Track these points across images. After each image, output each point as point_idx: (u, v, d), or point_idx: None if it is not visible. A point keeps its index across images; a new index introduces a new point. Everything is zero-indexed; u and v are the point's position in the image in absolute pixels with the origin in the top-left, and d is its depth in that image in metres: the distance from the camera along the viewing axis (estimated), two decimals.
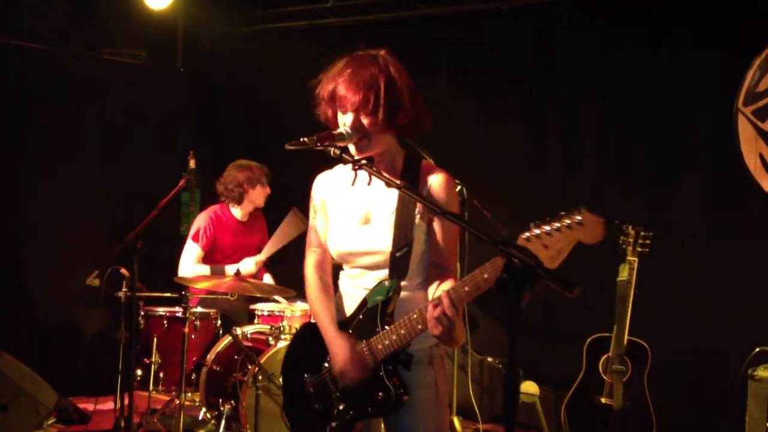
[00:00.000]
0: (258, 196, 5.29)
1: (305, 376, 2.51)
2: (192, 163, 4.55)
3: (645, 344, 4.38)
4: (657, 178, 4.95)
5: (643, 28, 4.99)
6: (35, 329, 5.72)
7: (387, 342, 2.28)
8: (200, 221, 5.21)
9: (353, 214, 2.45)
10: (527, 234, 1.89)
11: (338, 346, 2.37)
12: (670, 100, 4.93)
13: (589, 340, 4.52)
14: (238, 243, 5.31)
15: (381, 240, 2.36)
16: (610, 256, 4.42)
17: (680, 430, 4.67)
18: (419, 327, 2.21)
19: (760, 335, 4.47)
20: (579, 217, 1.86)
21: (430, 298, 2.37)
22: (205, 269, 5.08)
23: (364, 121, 2.32)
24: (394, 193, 2.37)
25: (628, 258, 4.39)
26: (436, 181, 2.37)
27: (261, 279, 5.31)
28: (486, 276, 2.03)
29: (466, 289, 2.08)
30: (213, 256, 5.21)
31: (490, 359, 5.30)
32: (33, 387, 4.89)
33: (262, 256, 5.23)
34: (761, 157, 4.68)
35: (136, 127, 6.22)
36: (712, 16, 4.74)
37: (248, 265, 5.14)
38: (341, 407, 2.39)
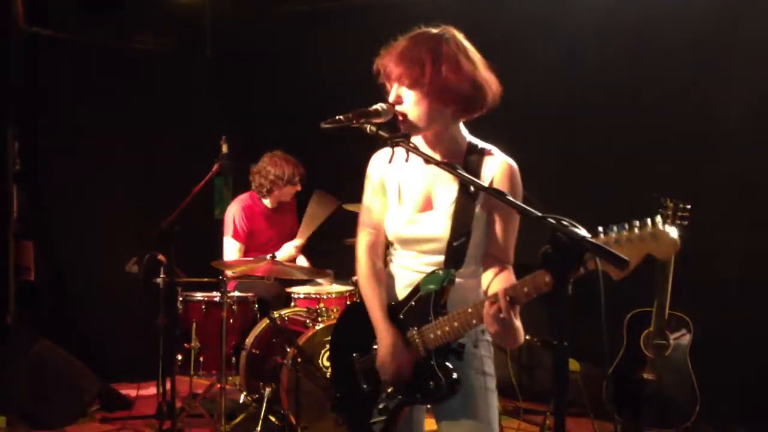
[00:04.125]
0: (286, 194, 5.31)
1: (354, 355, 2.49)
2: (224, 149, 4.55)
3: (687, 318, 4.32)
4: (696, 150, 4.85)
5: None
6: (76, 317, 5.78)
7: (439, 332, 2.25)
8: (232, 213, 5.23)
9: (413, 197, 2.40)
10: (594, 240, 1.79)
11: (384, 339, 2.35)
12: (705, 76, 4.82)
13: (629, 315, 4.46)
14: (272, 229, 5.33)
15: (439, 228, 2.31)
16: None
17: (724, 404, 4.60)
18: (473, 321, 2.18)
19: None
20: (652, 230, 1.79)
21: (483, 287, 2.35)
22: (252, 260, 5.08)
23: (406, 95, 2.27)
24: (455, 181, 2.32)
25: None
26: (500, 170, 2.31)
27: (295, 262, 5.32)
28: (548, 279, 1.97)
29: (525, 290, 2.03)
30: (249, 245, 5.23)
31: (528, 337, 5.26)
32: (75, 374, 4.97)
33: (298, 241, 5.24)
34: None
35: (167, 114, 6.23)
36: None
37: (288, 250, 5.17)
38: (390, 390, 2.37)
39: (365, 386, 2.44)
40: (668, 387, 4.28)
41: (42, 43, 5.75)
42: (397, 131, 2.25)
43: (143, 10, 6.15)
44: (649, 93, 5.00)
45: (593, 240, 1.65)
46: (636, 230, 1.80)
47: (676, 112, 4.91)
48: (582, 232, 1.66)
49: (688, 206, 4.28)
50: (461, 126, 2.40)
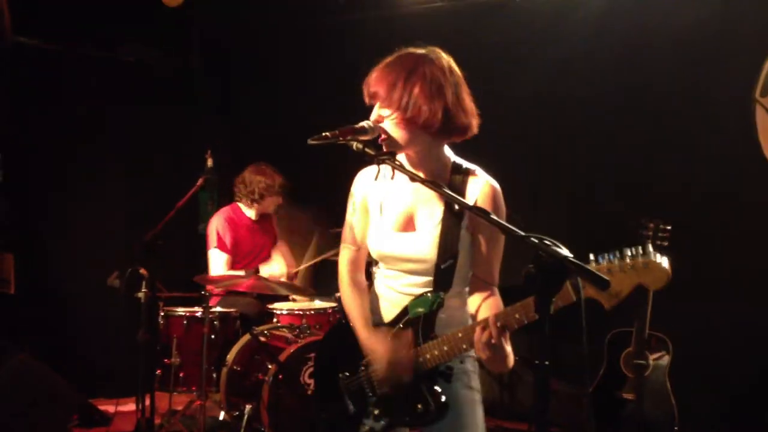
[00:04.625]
0: (272, 204, 5.33)
1: (340, 375, 2.47)
2: (209, 162, 4.56)
3: (666, 338, 4.35)
4: (675, 169, 4.90)
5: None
6: (56, 331, 5.73)
7: (428, 356, 2.25)
8: (215, 226, 5.22)
9: (394, 215, 2.40)
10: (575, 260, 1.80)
11: (376, 345, 2.34)
12: (684, 88, 4.88)
13: (609, 334, 4.49)
14: (254, 241, 5.33)
15: (425, 249, 2.31)
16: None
17: (702, 424, 4.63)
18: (464, 346, 2.19)
19: None
20: (643, 261, 1.80)
21: (471, 310, 2.36)
22: (240, 275, 5.07)
23: (386, 114, 2.27)
24: (440, 201, 2.33)
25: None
26: (483, 191, 2.32)
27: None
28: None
29: (517, 316, 2.04)
30: (232, 257, 5.22)
31: None
32: (54, 389, 4.91)
33: (292, 270, 5.29)
34: None
35: (153, 126, 6.22)
36: (730, 3, 4.69)
37: (278, 267, 5.21)
38: (376, 412, 2.36)
39: (351, 407, 2.43)
40: (647, 407, 4.30)
41: (28, 52, 5.72)
42: (371, 147, 2.27)
43: (130, 21, 6.15)
44: (637, 108, 5.04)
45: (575, 260, 1.67)
46: (628, 260, 1.81)
47: (663, 130, 4.95)
48: (564, 251, 1.68)
49: (669, 227, 4.34)
50: (445, 146, 2.41)
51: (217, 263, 5.15)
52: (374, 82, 2.28)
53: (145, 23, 6.22)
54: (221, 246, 5.16)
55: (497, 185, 2.36)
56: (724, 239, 4.72)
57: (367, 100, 2.33)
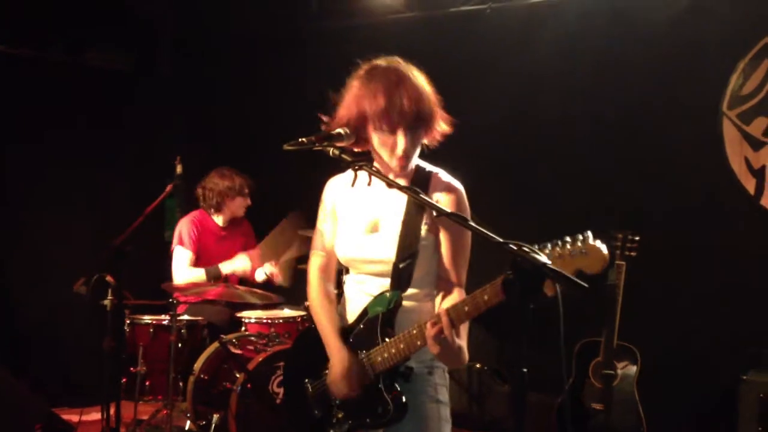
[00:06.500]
0: (238, 206, 5.26)
1: (306, 381, 2.48)
2: (179, 169, 4.50)
3: (635, 348, 4.38)
4: (643, 180, 4.96)
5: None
6: (19, 338, 5.62)
7: (386, 355, 2.25)
8: (182, 227, 5.16)
9: (361, 220, 2.41)
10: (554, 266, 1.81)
11: (337, 359, 2.34)
12: (654, 101, 4.95)
13: (578, 344, 4.52)
14: (221, 248, 5.26)
15: (386, 249, 2.32)
16: None
17: None
18: (418, 343, 2.18)
19: (749, 339, 4.50)
20: (582, 247, 1.82)
21: (436, 311, 2.35)
22: (200, 272, 5.02)
23: (418, 134, 2.29)
24: (402, 202, 2.34)
25: (616, 262, 4.40)
26: (447, 194, 2.33)
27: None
28: (486, 297, 1.99)
29: (466, 309, 2.05)
30: (197, 265, 5.16)
31: (478, 365, 5.28)
32: (18, 397, 4.81)
33: (269, 268, 5.20)
34: (746, 160, 4.71)
35: (122, 132, 6.15)
36: (698, 18, 4.77)
37: (242, 262, 5.11)
38: (340, 416, 2.36)
39: (316, 412, 2.43)
40: (616, 417, 4.33)
41: None
42: (359, 155, 2.26)
43: (101, 26, 6.08)
44: (607, 120, 5.08)
45: (553, 266, 1.67)
46: (568, 246, 1.83)
47: (632, 142, 5.00)
48: (543, 258, 1.68)
49: (637, 238, 4.39)
50: None
51: (181, 261, 5.07)
52: (405, 108, 2.21)
53: (114, 27, 6.15)
54: (182, 243, 5.09)
55: (460, 186, 2.38)
56: (692, 251, 4.77)
57: (388, 128, 2.25)
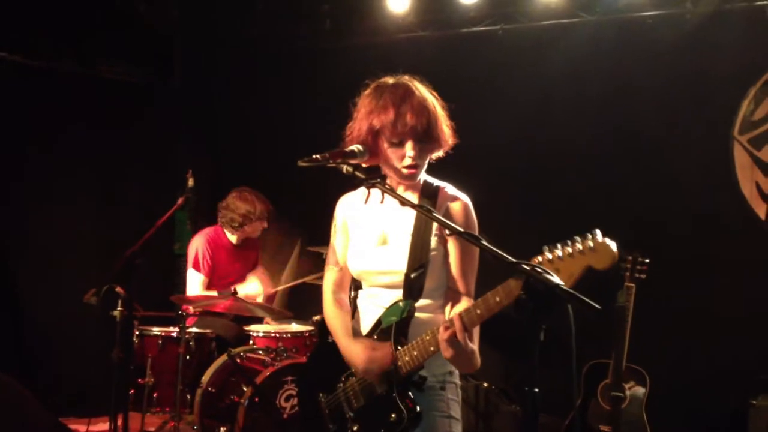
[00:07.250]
0: (255, 230, 5.28)
1: (320, 395, 2.50)
2: (190, 182, 4.51)
3: (643, 371, 4.37)
4: (655, 204, 4.96)
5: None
6: (28, 348, 5.63)
7: (400, 363, 2.27)
8: (197, 246, 5.16)
9: (371, 234, 2.45)
10: (540, 258, 1.89)
11: (356, 348, 2.37)
12: (664, 126, 4.95)
13: (587, 366, 4.50)
14: (233, 266, 5.28)
15: (397, 261, 2.36)
16: (607, 281, 4.41)
17: None
18: (431, 348, 2.21)
19: (758, 363, 4.48)
20: (591, 243, 1.85)
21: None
22: (214, 296, 5.02)
23: (429, 147, 2.37)
24: (411, 215, 2.37)
25: (626, 284, 4.39)
26: (454, 207, 2.38)
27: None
28: (498, 299, 2.01)
29: (479, 311, 2.07)
30: (210, 279, 5.17)
31: (485, 384, 5.26)
32: (24, 407, 4.82)
33: (270, 290, 5.23)
34: (757, 185, 4.72)
35: (134, 145, 6.18)
36: (709, 44, 4.79)
37: (254, 287, 5.14)
38: (355, 428, 2.37)
39: (331, 426, 2.45)
40: None
41: (9, 68, 5.68)
42: (372, 172, 2.29)
43: (114, 39, 6.13)
44: (618, 144, 5.10)
45: (566, 287, 1.68)
46: (577, 244, 1.86)
47: (642, 165, 5.02)
48: (555, 279, 1.69)
49: (647, 260, 4.38)
50: None
51: (193, 284, 5.10)
52: (413, 120, 2.28)
53: (127, 41, 6.20)
54: (197, 266, 5.11)
55: (467, 199, 2.42)
56: (702, 274, 4.76)
57: (397, 139, 2.31)
